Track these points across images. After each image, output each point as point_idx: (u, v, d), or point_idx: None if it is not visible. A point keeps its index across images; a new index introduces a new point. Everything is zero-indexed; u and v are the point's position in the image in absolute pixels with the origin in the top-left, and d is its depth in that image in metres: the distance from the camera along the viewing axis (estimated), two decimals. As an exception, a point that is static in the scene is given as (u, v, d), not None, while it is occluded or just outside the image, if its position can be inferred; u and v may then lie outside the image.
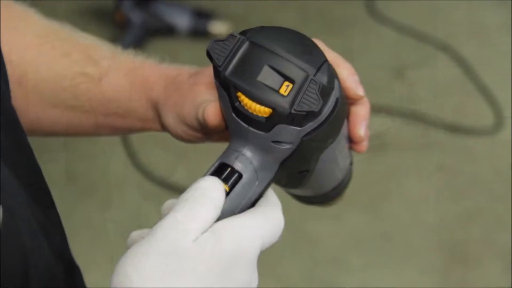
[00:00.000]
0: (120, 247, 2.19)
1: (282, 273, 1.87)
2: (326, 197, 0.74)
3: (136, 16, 2.37)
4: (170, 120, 0.73)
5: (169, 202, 0.61)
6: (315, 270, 1.90)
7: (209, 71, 0.70)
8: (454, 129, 2.16)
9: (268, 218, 0.59)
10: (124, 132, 0.81)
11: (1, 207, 0.51)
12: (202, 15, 2.40)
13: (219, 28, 2.38)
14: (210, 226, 0.57)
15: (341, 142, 0.67)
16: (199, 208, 0.57)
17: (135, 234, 0.61)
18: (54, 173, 2.06)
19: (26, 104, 0.76)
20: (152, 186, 2.06)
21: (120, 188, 2.07)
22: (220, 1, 2.48)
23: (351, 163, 0.74)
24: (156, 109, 0.75)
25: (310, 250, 1.93)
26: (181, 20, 2.39)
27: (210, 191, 0.58)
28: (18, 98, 0.75)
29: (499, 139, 2.14)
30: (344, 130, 0.67)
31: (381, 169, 2.07)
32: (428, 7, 2.48)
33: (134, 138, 2.15)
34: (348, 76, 0.68)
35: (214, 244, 0.56)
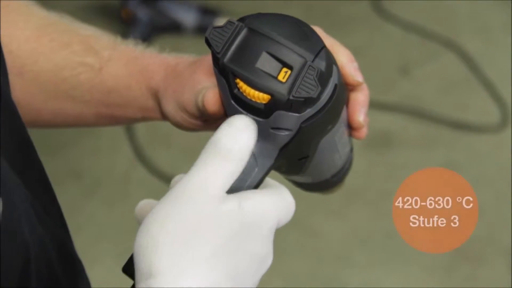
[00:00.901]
0: (125, 243, 2.20)
1: (286, 271, 1.88)
2: (326, 184, 0.74)
3: (142, 13, 2.37)
4: (170, 108, 0.73)
5: (180, 176, 0.62)
6: (319, 267, 1.90)
7: (208, 59, 0.70)
8: (459, 126, 2.16)
9: (283, 198, 0.60)
10: (125, 122, 0.81)
11: (0, 200, 0.51)
12: (208, 12, 2.40)
13: (225, 25, 2.38)
14: (232, 191, 0.58)
15: (340, 129, 0.67)
16: (221, 167, 0.57)
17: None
18: (59, 170, 2.07)
19: (26, 96, 0.77)
20: (158, 183, 2.06)
21: (125, 185, 2.07)
22: (226, -2, 2.48)
23: (351, 150, 0.74)
24: (156, 97, 0.75)
25: (314, 247, 1.93)
26: (187, 17, 2.39)
27: (231, 145, 0.58)
28: (18, 89, 0.75)
29: (504, 136, 2.14)
30: (343, 117, 0.67)
31: (385, 166, 2.07)
32: (433, 4, 2.48)
33: (140, 134, 2.16)
34: (347, 62, 0.68)
35: (236, 213, 0.56)
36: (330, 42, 0.68)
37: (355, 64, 0.69)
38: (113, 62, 0.77)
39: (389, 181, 2.04)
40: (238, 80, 0.59)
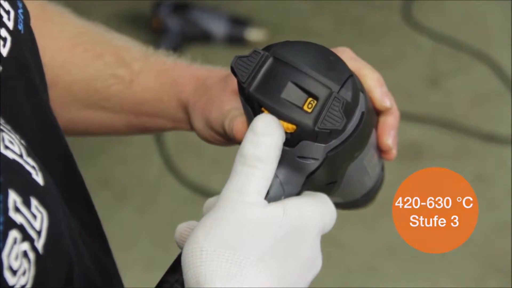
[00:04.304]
0: (154, 251, 2.19)
1: (315, 281, 1.87)
2: (356, 203, 0.74)
3: (173, 23, 2.38)
4: (198, 124, 0.74)
5: (211, 200, 0.62)
6: (348, 278, 1.89)
7: None
8: (490, 138, 2.14)
9: (325, 204, 0.61)
10: (156, 131, 0.82)
11: (47, 213, 0.51)
12: (239, 22, 2.41)
13: (255, 35, 2.39)
14: (276, 201, 0.59)
15: (369, 153, 0.67)
16: (252, 174, 0.57)
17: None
18: (89, 178, 2.07)
19: (58, 106, 0.77)
20: (187, 192, 2.06)
21: (154, 193, 2.08)
22: (256, 8, 2.48)
23: (382, 169, 0.74)
24: (186, 110, 0.76)
25: (343, 258, 1.92)
26: (218, 27, 2.40)
27: (255, 152, 0.58)
28: (51, 99, 0.76)
29: (536, 149, 2.13)
30: (372, 140, 0.67)
31: (415, 178, 2.06)
32: (464, 15, 2.46)
33: (169, 143, 2.16)
34: (375, 87, 0.68)
35: (282, 219, 0.57)
36: (359, 64, 0.68)
37: (384, 89, 0.68)
38: (144, 75, 0.77)
39: (419, 192, 2.02)
40: (264, 110, 0.59)
